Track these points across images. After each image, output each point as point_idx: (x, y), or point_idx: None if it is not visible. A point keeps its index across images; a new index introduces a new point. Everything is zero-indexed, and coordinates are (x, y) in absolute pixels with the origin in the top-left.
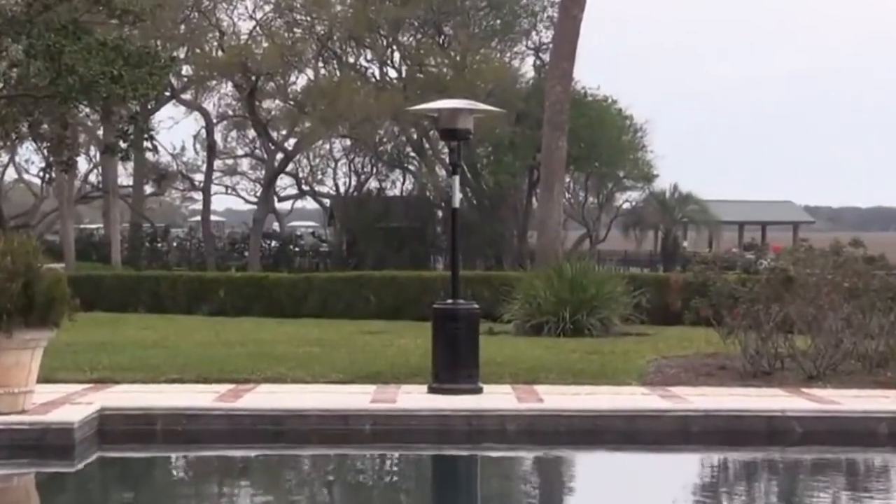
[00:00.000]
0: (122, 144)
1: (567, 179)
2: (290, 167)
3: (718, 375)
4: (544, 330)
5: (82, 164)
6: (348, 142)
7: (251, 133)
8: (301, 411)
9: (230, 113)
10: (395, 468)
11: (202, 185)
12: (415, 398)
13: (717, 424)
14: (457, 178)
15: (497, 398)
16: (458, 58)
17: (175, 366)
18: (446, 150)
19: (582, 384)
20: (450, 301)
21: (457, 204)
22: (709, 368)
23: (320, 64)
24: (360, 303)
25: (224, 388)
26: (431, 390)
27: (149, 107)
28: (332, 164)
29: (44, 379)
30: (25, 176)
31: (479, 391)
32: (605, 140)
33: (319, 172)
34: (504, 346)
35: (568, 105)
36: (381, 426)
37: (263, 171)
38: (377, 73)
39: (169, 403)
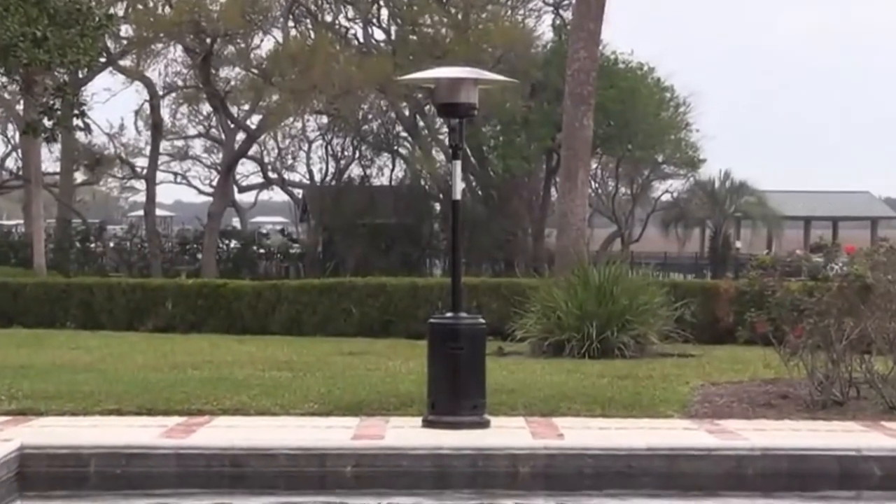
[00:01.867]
0: (47, 122)
1: (594, 165)
2: (253, 150)
3: (779, 406)
4: (566, 350)
5: None
6: (325, 119)
7: (206, 108)
8: (267, 450)
9: (180, 83)
10: None
11: (145, 171)
12: (407, 434)
13: (778, 466)
14: (458, 164)
15: (508, 434)
16: (459, 16)
17: (112, 394)
18: (445, 129)
19: (611, 416)
20: (450, 314)
21: (458, 195)
22: (768, 397)
23: (290, 23)
24: (339, 316)
25: (172, 421)
26: (427, 424)
27: (80, 76)
28: (306, 147)
29: None
30: None
31: (485, 425)
32: (639, 117)
33: (290, 157)
34: (516, 370)
35: (595, 74)
36: (366, 468)
37: (221, 156)
38: (360, 34)
39: (105, 440)
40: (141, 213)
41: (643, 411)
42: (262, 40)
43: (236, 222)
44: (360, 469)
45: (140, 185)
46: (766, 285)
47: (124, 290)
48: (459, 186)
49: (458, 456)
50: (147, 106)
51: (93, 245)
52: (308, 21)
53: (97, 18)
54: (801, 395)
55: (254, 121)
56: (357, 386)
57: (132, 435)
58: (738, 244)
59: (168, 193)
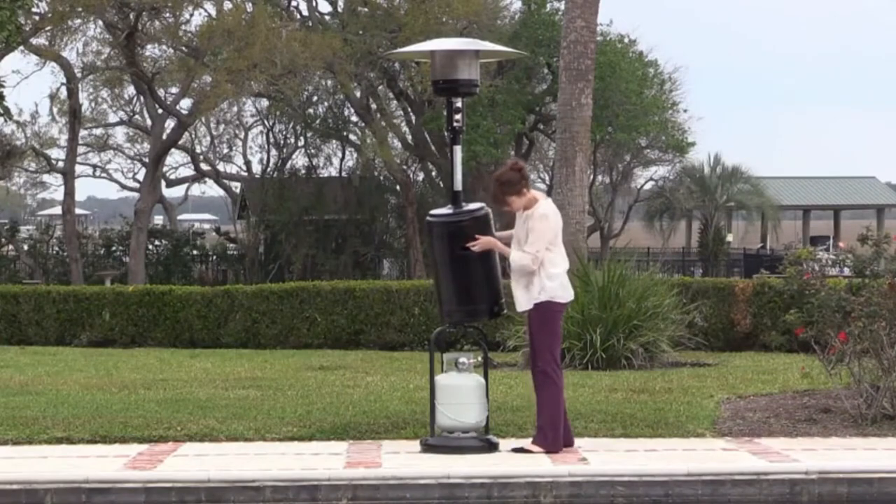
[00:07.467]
0: None
1: None
2: (184, 139)
3: (823, 421)
4: (565, 360)
5: None
6: (265, 102)
7: (129, 91)
8: (251, 482)
9: (100, 64)
10: None
11: (63, 164)
12: (406, 460)
13: (838, 491)
14: (458, 150)
15: (523, 459)
16: None
17: (59, 419)
18: (400, 112)
19: (635, 436)
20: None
21: (459, 185)
22: (807, 411)
23: None
24: (301, 326)
25: (133, 449)
26: (427, 448)
27: None
28: (243, 134)
29: None
30: None
31: (493, 448)
32: (620, 96)
33: (224, 145)
34: (515, 385)
35: (595, 45)
36: (365, 501)
37: (146, 146)
38: (304, 6)
39: (60, 474)
40: (50, 211)
41: (670, 430)
42: (191, 14)
43: (159, 220)
44: (358, 502)
45: (51, 179)
46: (808, 284)
47: (55, 300)
48: (460, 175)
49: (471, 485)
50: (64, 90)
51: (3, 249)
52: None
53: None
54: (845, 409)
55: (184, 105)
56: (338, 406)
57: (92, 467)
58: (730, 237)
59: (80, 189)
